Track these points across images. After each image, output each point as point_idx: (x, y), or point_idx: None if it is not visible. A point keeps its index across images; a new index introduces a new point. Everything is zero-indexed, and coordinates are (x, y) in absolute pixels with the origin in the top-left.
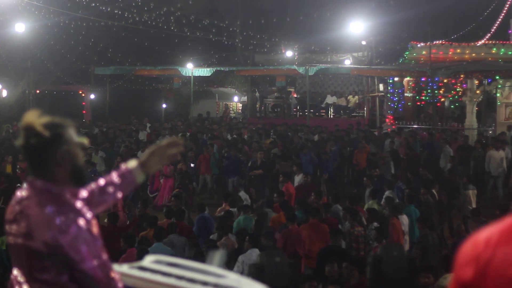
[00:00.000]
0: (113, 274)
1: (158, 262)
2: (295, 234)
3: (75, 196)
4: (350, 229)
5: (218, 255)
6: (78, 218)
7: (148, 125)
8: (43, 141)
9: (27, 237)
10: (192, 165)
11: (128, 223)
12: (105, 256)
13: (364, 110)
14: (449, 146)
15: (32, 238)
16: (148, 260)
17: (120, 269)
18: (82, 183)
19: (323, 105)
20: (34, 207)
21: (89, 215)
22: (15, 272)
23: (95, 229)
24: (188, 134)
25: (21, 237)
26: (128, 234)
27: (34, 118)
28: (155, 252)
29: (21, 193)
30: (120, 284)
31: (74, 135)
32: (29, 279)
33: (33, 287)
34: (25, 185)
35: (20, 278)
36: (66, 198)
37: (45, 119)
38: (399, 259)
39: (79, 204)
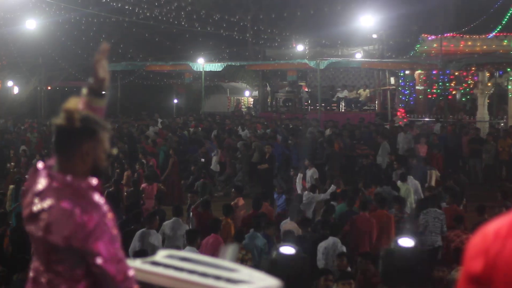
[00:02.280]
0: (129, 272)
1: (170, 257)
2: (365, 221)
3: (92, 188)
4: (399, 214)
5: (231, 249)
6: (96, 212)
7: (160, 120)
8: (75, 129)
9: (46, 230)
10: (202, 159)
11: None
12: (120, 252)
13: (375, 103)
14: (387, 143)
15: (51, 232)
16: (161, 255)
17: (133, 264)
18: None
19: (334, 99)
20: (53, 200)
21: (106, 208)
22: (35, 261)
23: (111, 223)
24: (200, 129)
25: (41, 230)
26: (213, 220)
27: (76, 105)
28: (251, 238)
29: (39, 184)
30: (135, 283)
31: (107, 140)
32: (46, 270)
33: (49, 277)
34: (42, 175)
35: (40, 268)
36: (84, 191)
37: (87, 111)
38: (412, 251)
39: (97, 197)
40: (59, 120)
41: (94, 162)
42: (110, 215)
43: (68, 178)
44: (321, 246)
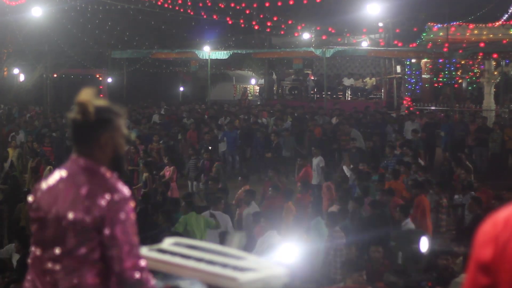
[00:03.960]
0: (140, 262)
1: (177, 244)
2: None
3: (114, 176)
4: (439, 200)
5: (237, 237)
6: (118, 196)
7: (164, 107)
8: (91, 121)
9: (73, 212)
10: (209, 148)
11: None
12: (135, 239)
13: (381, 92)
14: (356, 130)
15: (83, 213)
16: (168, 243)
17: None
18: (118, 172)
19: (340, 87)
20: (79, 184)
21: (127, 193)
22: (38, 251)
23: (131, 208)
24: (206, 117)
25: (67, 212)
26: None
27: (89, 96)
28: (315, 225)
29: (63, 170)
30: (144, 271)
31: (123, 126)
32: (64, 256)
33: (66, 263)
34: (68, 162)
35: (52, 256)
36: (108, 177)
37: (100, 101)
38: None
39: (118, 183)
40: (74, 114)
41: (115, 150)
42: (131, 201)
43: (90, 163)
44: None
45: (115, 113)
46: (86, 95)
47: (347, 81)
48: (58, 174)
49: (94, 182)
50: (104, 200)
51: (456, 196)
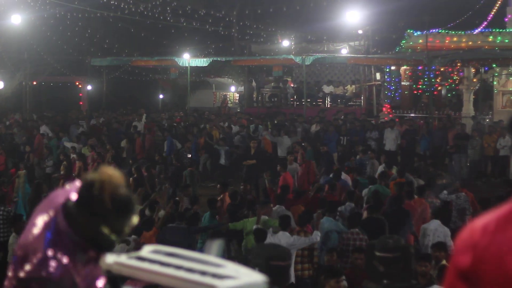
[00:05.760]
0: None
1: (156, 252)
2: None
3: (83, 251)
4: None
5: (217, 244)
6: (46, 276)
7: (144, 115)
8: (80, 200)
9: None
10: (189, 155)
11: None
12: None
13: (361, 99)
14: (287, 137)
15: (19, 269)
16: (147, 250)
17: (118, 259)
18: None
19: (320, 95)
20: (39, 245)
21: (59, 276)
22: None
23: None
24: (182, 124)
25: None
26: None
27: (105, 178)
28: (326, 223)
29: (44, 217)
30: None
31: (110, 228)
32: None
33: None
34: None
35: None
36: (71, 246)
37: (119, 197)
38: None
39: (61, 264)
40: (85, 180)
41: (90, 234)
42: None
43: (65, 226)
44: (424, 228)
45: (110, 214)
46: (108, 176)
47: (327, 88)
48: (40, 220)
49: (44, 247)
50: (30, 270)
51: (445, 192)
